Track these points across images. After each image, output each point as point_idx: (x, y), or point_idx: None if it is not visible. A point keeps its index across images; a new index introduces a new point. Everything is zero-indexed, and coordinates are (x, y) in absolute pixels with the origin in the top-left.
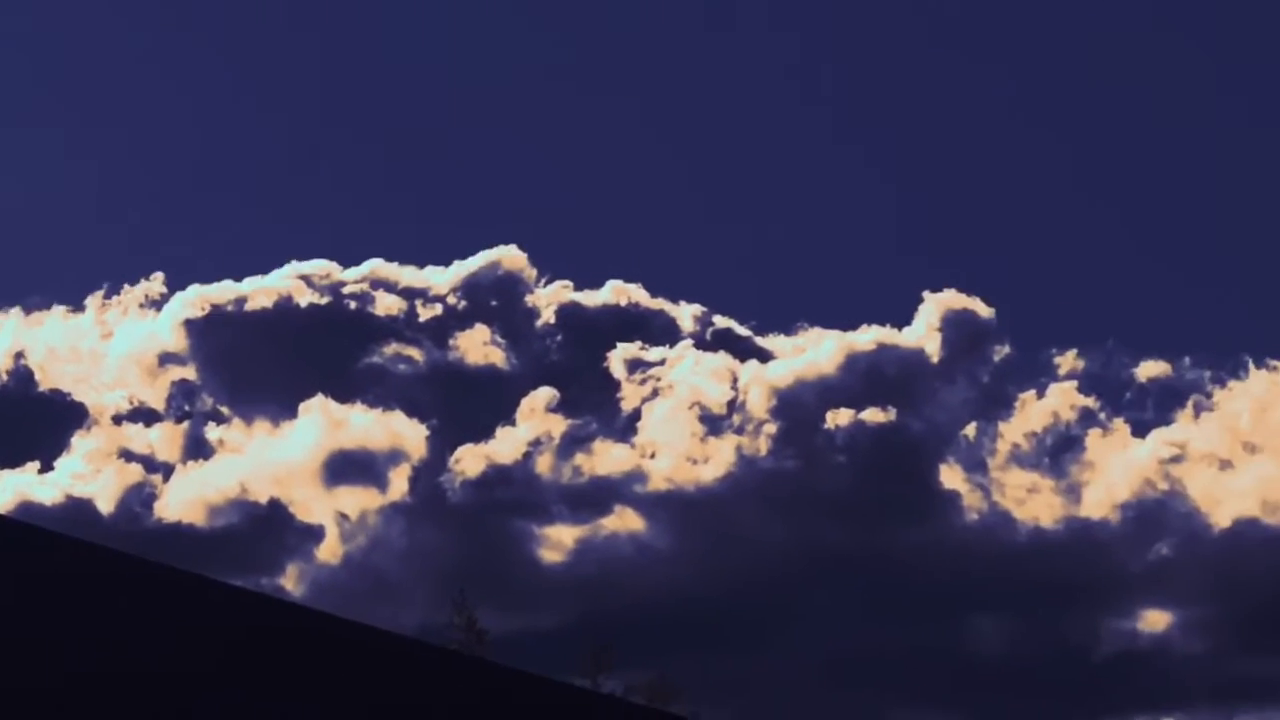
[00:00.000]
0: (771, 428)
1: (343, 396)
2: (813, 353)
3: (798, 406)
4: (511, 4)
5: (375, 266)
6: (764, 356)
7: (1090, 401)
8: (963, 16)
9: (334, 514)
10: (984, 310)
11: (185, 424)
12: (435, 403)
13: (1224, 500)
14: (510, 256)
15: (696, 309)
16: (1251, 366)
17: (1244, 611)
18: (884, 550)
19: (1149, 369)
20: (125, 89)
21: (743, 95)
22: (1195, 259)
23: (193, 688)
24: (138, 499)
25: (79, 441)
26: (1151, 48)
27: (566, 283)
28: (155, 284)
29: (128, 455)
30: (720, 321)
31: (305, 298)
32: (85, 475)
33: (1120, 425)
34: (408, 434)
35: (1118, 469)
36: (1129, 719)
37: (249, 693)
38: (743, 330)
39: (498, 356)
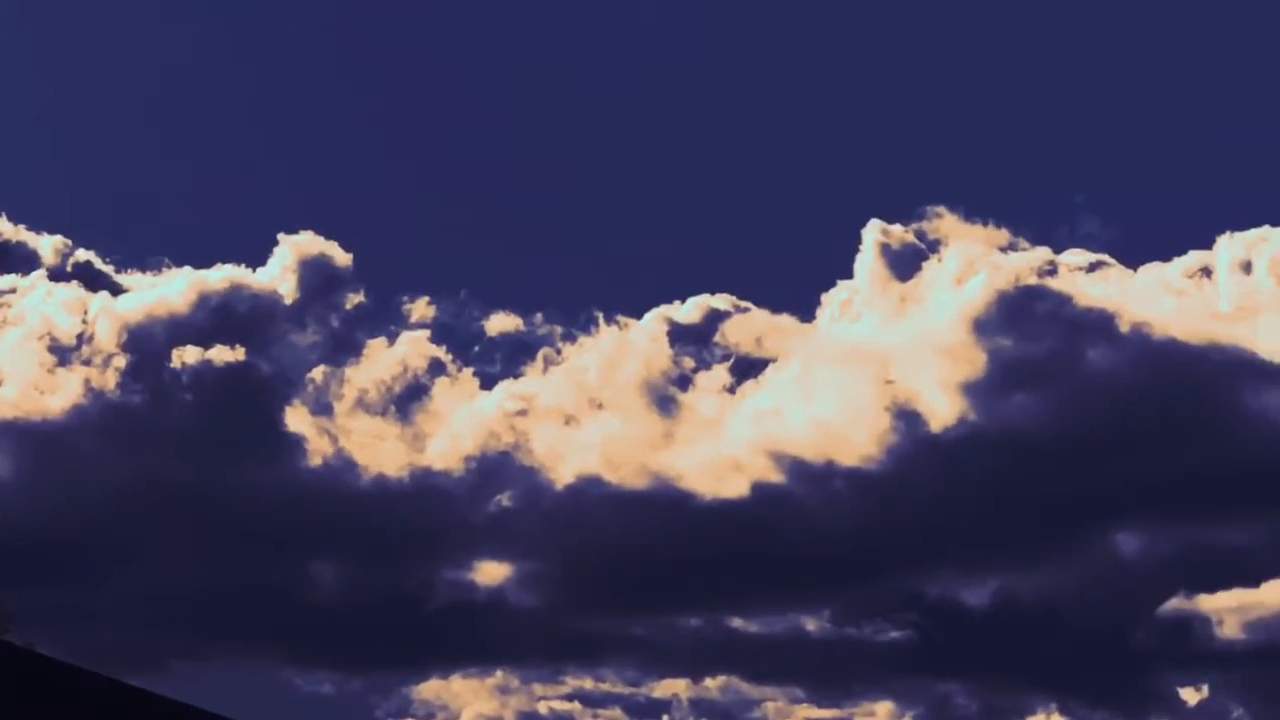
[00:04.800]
0: (120, 362)
1: None
2: (164, 289)
3: (147, 341)
4: None
5: None
6: (116, 290)
7: (440, 351)
8: None
9: None
10: (340, 255)
11: None
12: None
13: (567, 456)
14: None
15: (59, 241)
16: (602, 322)
17: (579, 568)
18: (228, 490)
19: (500, 322)
20: None
21: (156, 38)
22: (547, 215)
23: None
24: None
25: None
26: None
27: None
28: None
29: None
30: (82, 255)
31: None
32: None
33: (468, 376)
34: None
35: (464, 420)
36: (459, 670)
37: None
38: (103, 265)
39: None
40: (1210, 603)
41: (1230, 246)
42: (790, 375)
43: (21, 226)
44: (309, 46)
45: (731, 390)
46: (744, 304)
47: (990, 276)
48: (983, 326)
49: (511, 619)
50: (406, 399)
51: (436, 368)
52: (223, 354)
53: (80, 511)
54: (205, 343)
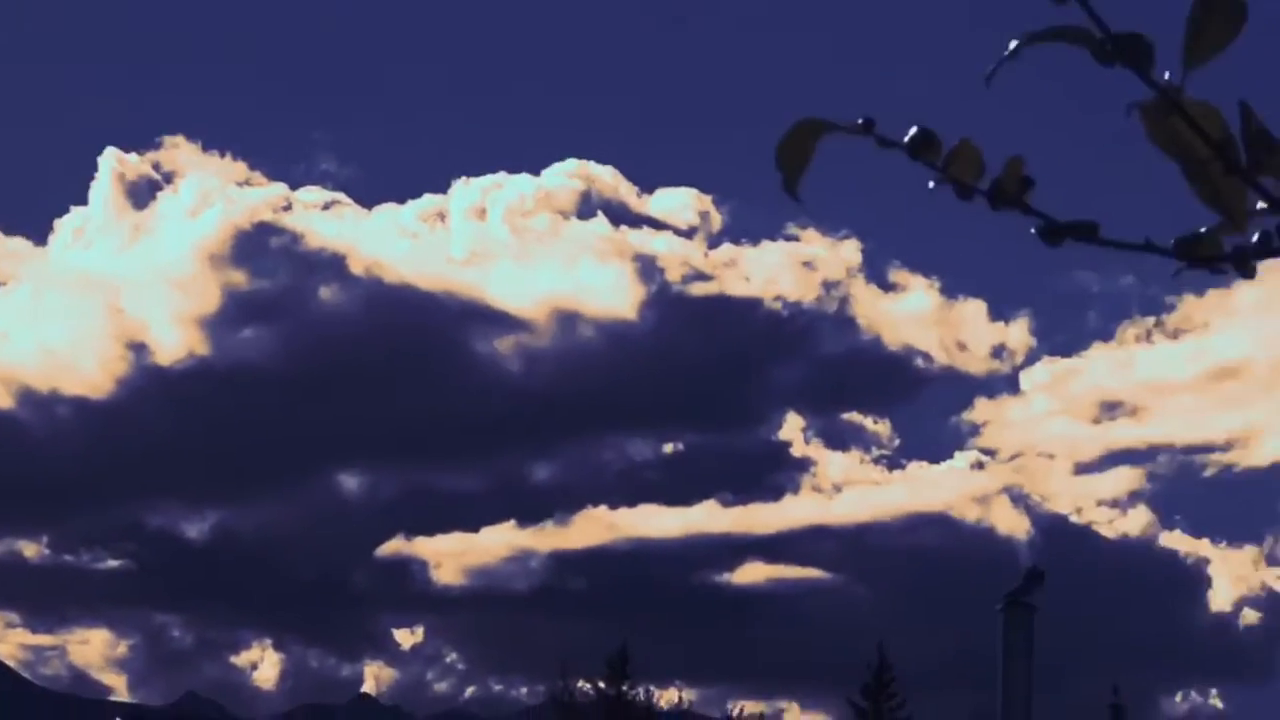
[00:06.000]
0: None
1: None
2: None
3: None
4: None
5: None
6: None
7: None
8: None
9: None
10: None
11: None
12: None
13: None
14: None
15: None
16: None
17: None
18: None
19: None
20: None
21: None
22: None
23: None
24: None
25: None
26: None
27: None
28: None
29: None
30: None
31: None
32: None
33: None
34: None
35: None
36: None
37: None
38: None
39: None
40: (429, 546)
41: (465, 192)
42: (20, 300)
43: None
44: None
45: None
46: None
47: (225, 210)
48: (216, 260)
49: None
50: None
51: None
52: None
53: None
54: None
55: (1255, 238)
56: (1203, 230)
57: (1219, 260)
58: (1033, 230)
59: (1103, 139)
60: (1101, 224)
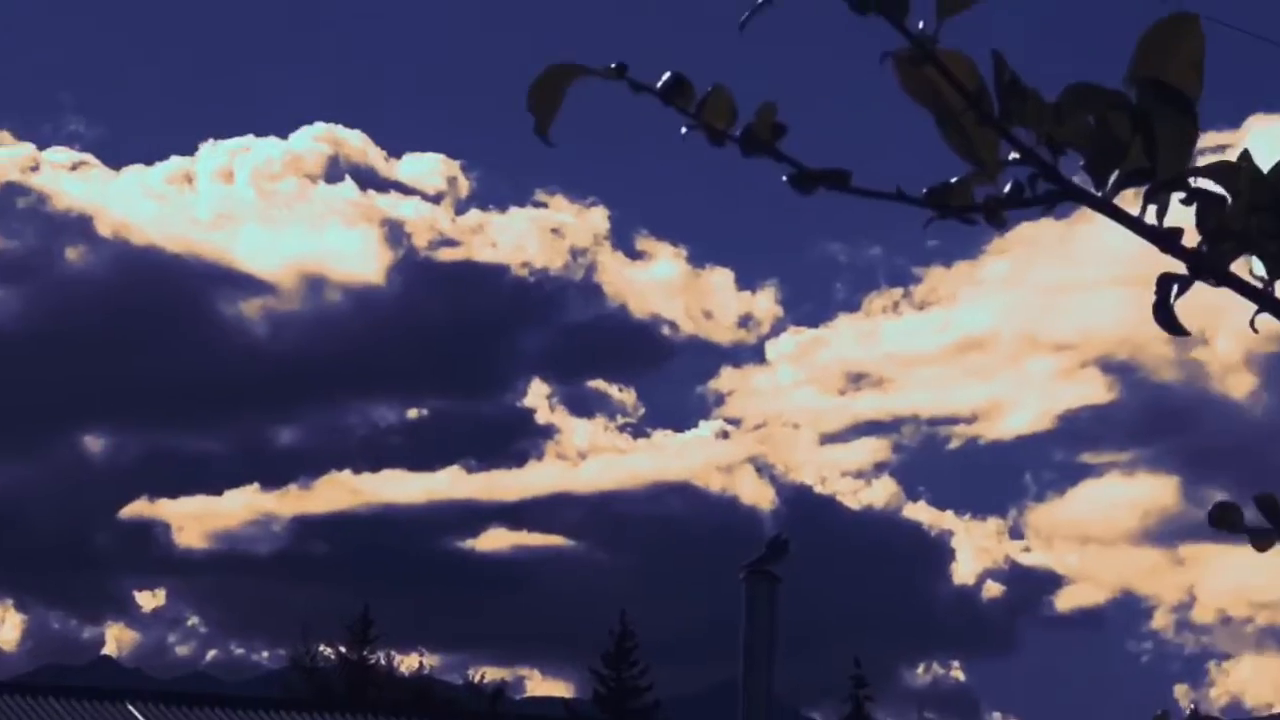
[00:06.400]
0: None
1: None
2: None
3: None
4: None
5: None
6: None
7: None
8: None
9: None
10: None
11: None
12: None
13: None
14: None
15: None
16: None
17: None
18: None
19: None
20: None
21: None
22: None
23: None
24: None
25: None
26: None
27: None
28: None
29: None
30: None
31: None
32: None
33: None
34: None
35: None
36: None
37: None
38: None
39: None
40: (171, 508)
41: (212, 154)
42: None
43: None
44: None
45: None
46: None
47: None
48: None
49: None
50: None
51: None
52: None
53: None
54: None
55: (1007, 188)
56: (954, 180)
57: (970, 210)
58: (785, 178)
59: (857, 89)
60: (854, 174)
